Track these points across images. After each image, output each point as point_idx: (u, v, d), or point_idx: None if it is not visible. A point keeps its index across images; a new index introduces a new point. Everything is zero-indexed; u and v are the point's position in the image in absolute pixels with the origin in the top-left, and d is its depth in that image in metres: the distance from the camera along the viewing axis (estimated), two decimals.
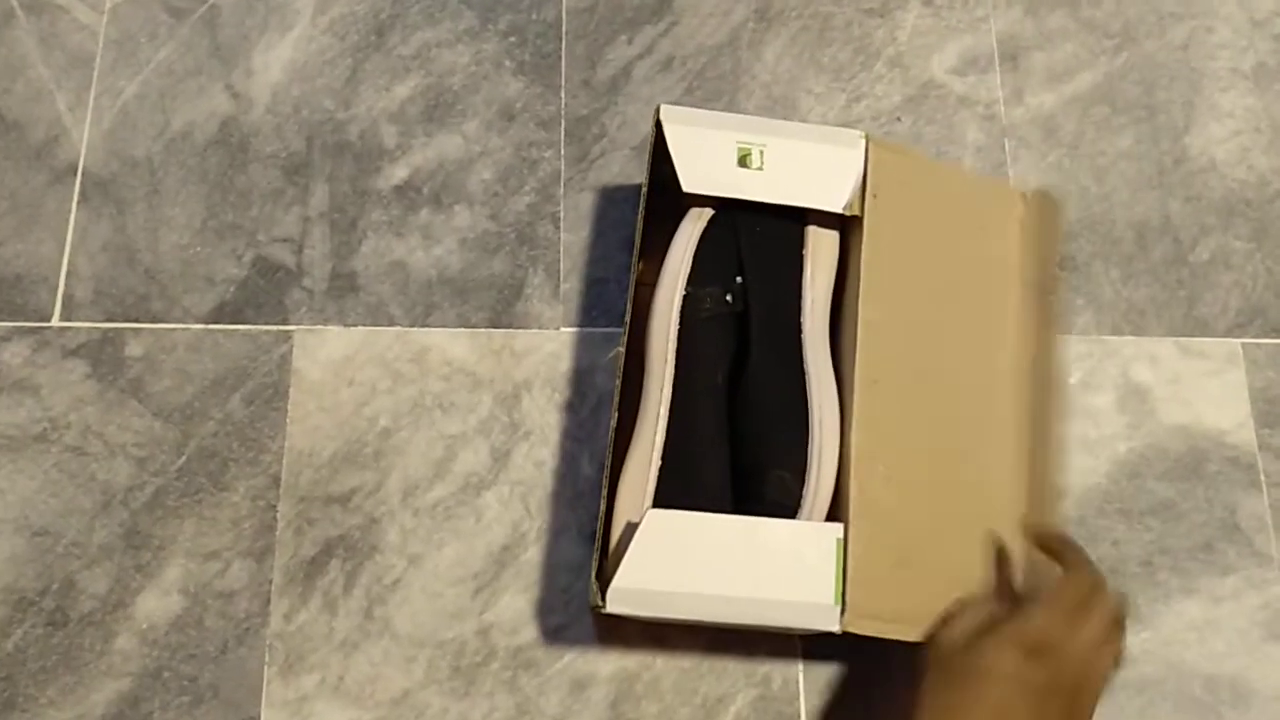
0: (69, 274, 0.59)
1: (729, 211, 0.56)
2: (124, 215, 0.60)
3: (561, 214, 0.63)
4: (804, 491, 0.51)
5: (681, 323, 0.54)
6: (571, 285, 0.61)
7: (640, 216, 0.54)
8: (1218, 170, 0.68)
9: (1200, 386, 0.63)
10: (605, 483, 0.51)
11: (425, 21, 0.66)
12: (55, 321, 0.58)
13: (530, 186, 0.63)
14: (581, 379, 0.59)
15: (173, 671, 0.53)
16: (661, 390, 0.52)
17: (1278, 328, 0.65)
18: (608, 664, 0.55)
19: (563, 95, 0.65)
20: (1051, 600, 0.47)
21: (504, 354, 0.59)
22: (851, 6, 0.69)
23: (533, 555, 0.56)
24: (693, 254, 0.55)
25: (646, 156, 0.55)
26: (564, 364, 0.60)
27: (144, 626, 0.54)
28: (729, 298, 0.55)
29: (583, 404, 0.59)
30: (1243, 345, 0.65)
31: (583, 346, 0.60)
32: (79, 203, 0.60)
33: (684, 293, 0.54)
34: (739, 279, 0.55)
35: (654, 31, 0.67)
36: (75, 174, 0.61)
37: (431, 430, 0.58)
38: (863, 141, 0.55)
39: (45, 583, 0.54)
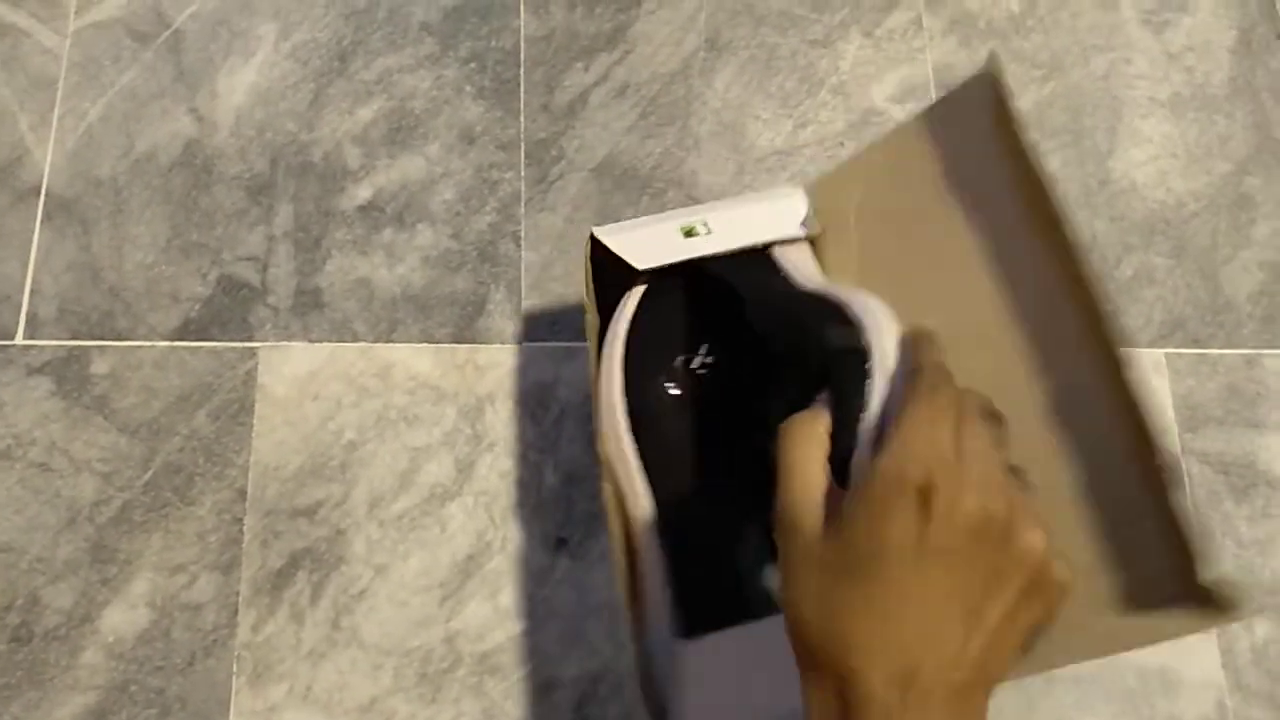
0: (33, 292, 0.59)
1: (668, 277, 0.49)
2: (88, 234, 0.61)
3: (522, 233, 0.65)
4: None
5: (640, 420, 0.46)
6: (533, 301, 0.63)
7: (591, 345, 0.49)
8: (1139, 192, 0.72)
9: None
10: (629, 613, 0.45)
11: (387, 48, 0.68)
12: (19, 340, 0.58)
13: (491, 206, 0.65)
14: (543, 391, 0.61)
15: (140, 684, 0.53)
16: (639, 509, 0.45)
17: (1197, 338, 0.69)
18: (571, 667, 0.56)
19: (522, 119, 0.67)
20: (908, 414, 0.32)
21: (467, 368, 0.61)
22: (796, 37, 0.72)
23: (497, 564, 0.58)
24: (624, 340, 0.47)
25: (585, 278, 0.49)
26: (526, 377, 0.61)
27: (110, 640, 0.54)
28: (696, 363, 0.49)
29: (545, 416, 0.61)
30: (1165, 355, 0.69)
31: (545, 360, 0.62)
32: (43, 222, 0.61)
33: (625, 385, 0.47)
34: (703, 337, 0.49)
35: (609, 59, 0.70)
36: (39, 194, 0.61)
37: (396, 443, 0.59)
38: (800, 189, 0.51)
39: (9, 599, 0.54)
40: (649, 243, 0.48)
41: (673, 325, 0.50)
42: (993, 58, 0.41)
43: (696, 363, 0.50)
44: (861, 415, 0.35)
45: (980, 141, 0.43)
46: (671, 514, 0.45)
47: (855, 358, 0.38)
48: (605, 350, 0.47)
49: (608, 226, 0.49)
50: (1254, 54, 0.77)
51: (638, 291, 0.49)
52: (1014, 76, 0.74)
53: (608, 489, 0.46)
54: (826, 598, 0.31)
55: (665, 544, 0.44)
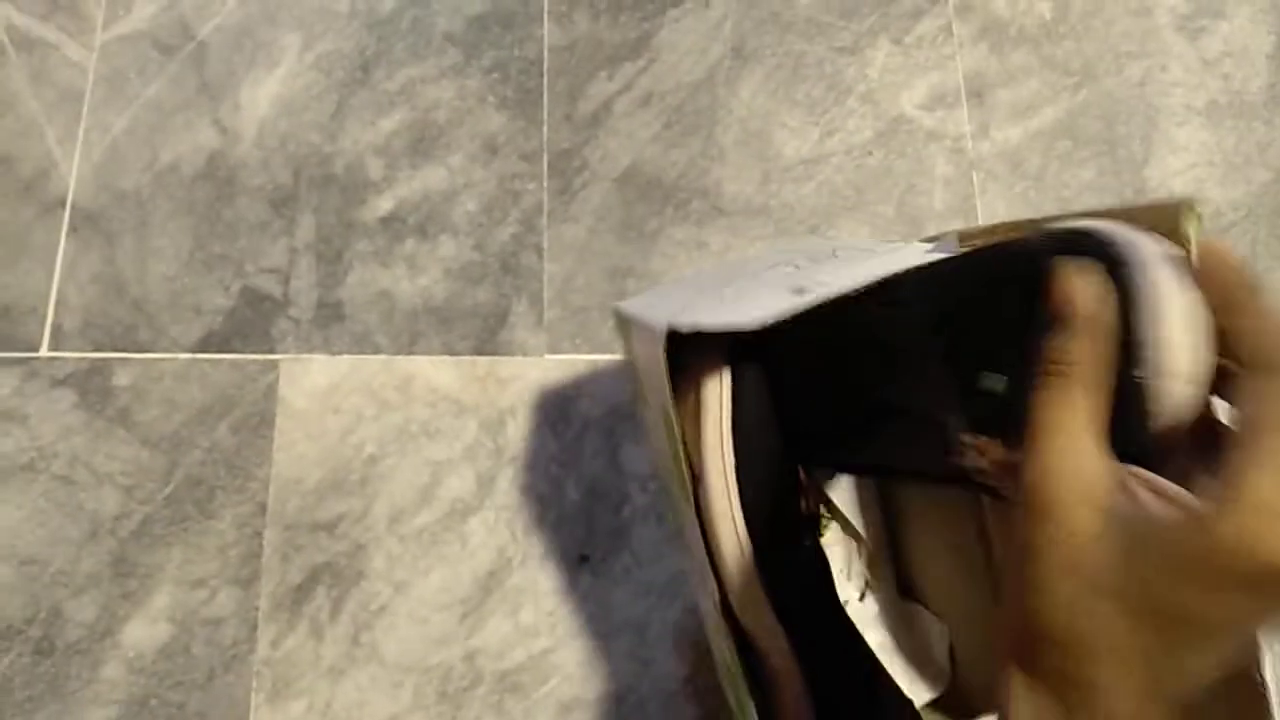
0: (58, 304, 0.59)
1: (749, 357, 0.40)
2: (112, 247, 0.61)
3: (545, 244, 0.64)
4: None
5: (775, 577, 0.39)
6: (555, 313, 0.63)
7: (676, 469, 0.40)
8: None
9: None
10: None
11: (410, 58, 0.67)
12: (44, 351, 0.58)
13: (514, 217, 0.65)
14: (565, 405, 0.61)
15: (160, 699, 0.53)
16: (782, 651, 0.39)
17: None
18: (594, 687, 0.56)
19: (545, 129, 0.67)
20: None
21: (489, 381, 0.61)
22: (823, 45, 0.71)
23: (518, 580, 0.57)
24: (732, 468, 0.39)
25: (661, 383, 0.38)
26: (548, 390, 0.61)
27: (131, 655, 0.54)
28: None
29: (567, 430, 0.60)
30: None
31: (567, 373, 0.61)
32: (68, 235, 0.61)
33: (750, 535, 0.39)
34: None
35: (633, 68, 0.69)
36: (64, 207, 0.61)
37: (417, 457, 0.59)
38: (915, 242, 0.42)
39: (32, 611, 0.54)
40: (752, 305, 0.38)
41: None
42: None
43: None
44: (1147, 396, 0.27)
45: None
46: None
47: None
48: (707, 484, 0.39)
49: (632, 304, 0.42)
50: None
51: (715, 388, 0.39)
52: (1047, 84, 0.72)
53: (728, 653, 0.40)
54: (1084, 603, 0.25)
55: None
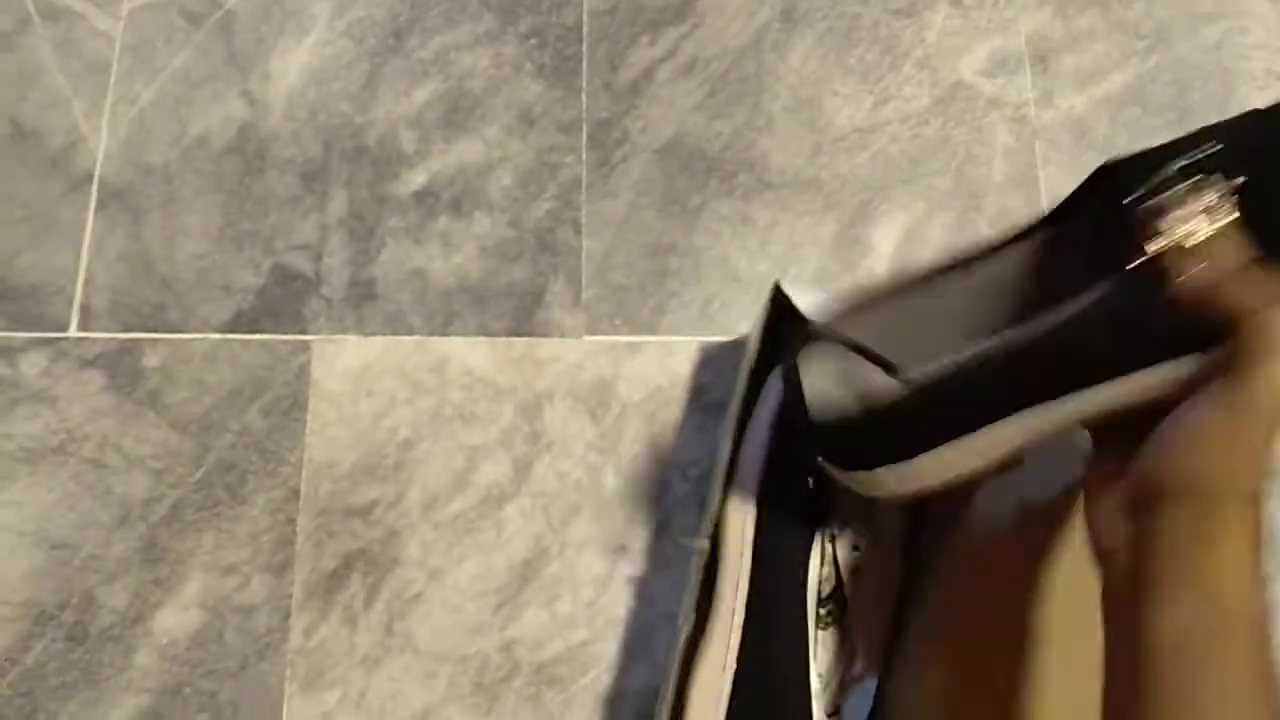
0: (86, 284, 0.58)
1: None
2: (140, 224, 0.60)
3: (583, 220, 0.61)
4: None
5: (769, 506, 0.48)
6: (594, 293, 0.60)
7: (744, 382, 0.50)
8: None
9: None
10: (670, 697, 0.47)
11: (444, 24, 0.65)
12: (72, 332, 0.57)
13: (551, 192, 0.62)
14: (604, 388, 0.58)
15: (193, 687, 0.52)
16: (734, 612, 0.46)
17: None
18: (634, 680, 0.54)
19: (584, 99, 0.64)
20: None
21: (525, 363, 0.59)
22: (879, 7, 0.67)
23: (555, 569, 0.55)
24: (771, 433, 0.48)
25: (760, 320, 0.51)
26: (586, 373, 0.59)
27: (164, 642, 0.53)
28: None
29: (605, 414, 0.58)
30: None
31: (605, 355, 0.59)
32: (95, 211, 0.59)
33: (761, 490, 0.48)
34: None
35: (677, 33, 0.66)
36: (91, 182, 0.60)
37: (452, 441, 0.57)
38: None
39: (64, 597, 0.53)
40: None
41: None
42: None
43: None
44: None
45: None
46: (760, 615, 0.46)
47: None
48: (757, 418, 0.48)
49: (795, 283, 0.50)
50: None
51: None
52: (1116, 47, 0.68)
53: (704, 545, 0.47)
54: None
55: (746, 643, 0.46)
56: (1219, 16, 0.70)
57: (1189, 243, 0.34)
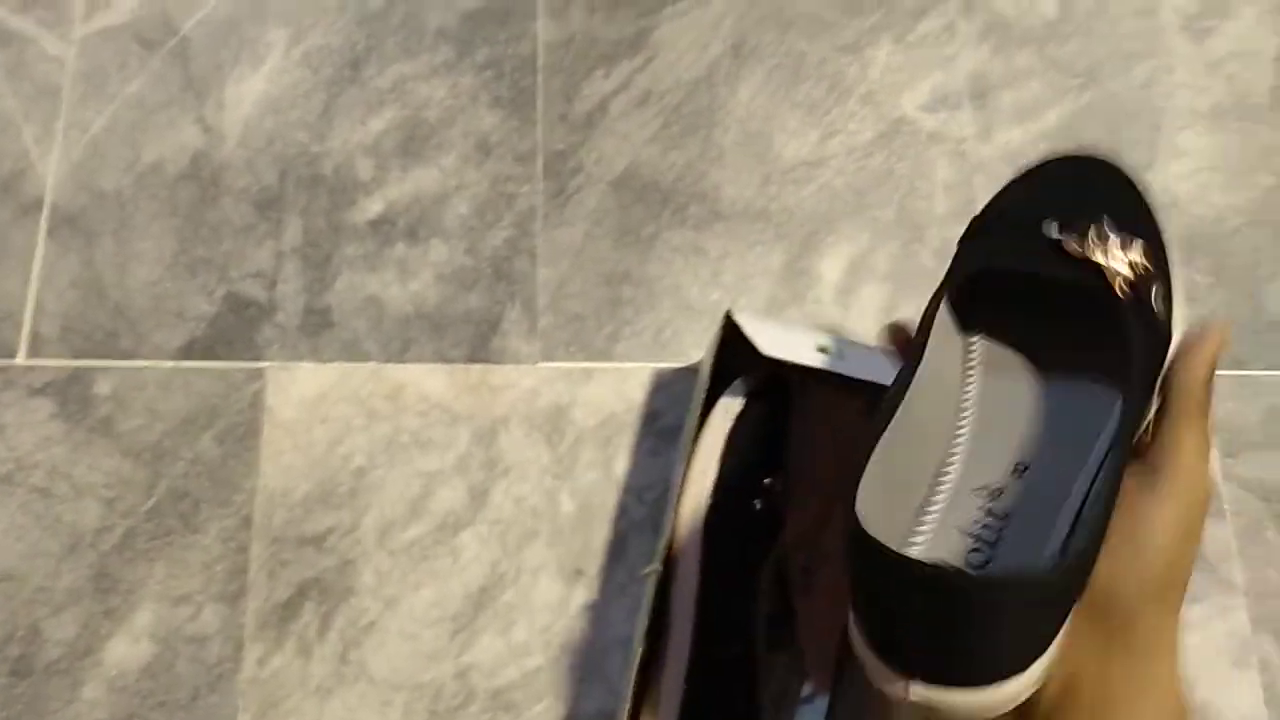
0: (35, 310, 0.58)
1: (775, 395, 0.52)
2: (92, 250, 0.59)
3: (539, 248, 0.62)
4: None
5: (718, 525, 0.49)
6: (549, 320, 0.61)
7: (695, 411, 0.52)
8: (1179, 207, 0.70)
9: None
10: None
11: (401, 54, 0.65)
12: (21, 359, 0.57)
13: (507, 221, 0.63)
14: (560, 415, 0.59)
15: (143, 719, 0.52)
16: (685, 636, 0.48)
17: (1238, 360, 0.67)
18: (589, 705, 0.54)
19: (539, 129, 0.65)
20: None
21: (481, 389, 0.59)
22: (826, 43, 0.70)
23: (511, 596, 0.56)
24: (719, 456, 0.50)
25: (711, 347, 0.52)
26: (542, 399, 0.59)
27: (113, 674, 0.52)
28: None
29: (561, 440, 0.59)
30: None
31: (561, 382, 0.60)
32: (46, 237, 0.59)
33: (711, 504, 0.50)
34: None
35: (630, 66, 0.67)
36: (42, 208, 0.59)
37: (408, 468, 0.57)
38: None
39: (9, 630, 0.52)
40: (781, 339, 0.49)
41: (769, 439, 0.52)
42: None
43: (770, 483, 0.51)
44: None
45: None
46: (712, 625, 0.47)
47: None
48: (703, 442, 0.50)
49: (746, 313, 0.51)
50: None
51: (735, 408, 0.51)
52: (1050, 85, 0.71)
53: (656, 570, 0.49)
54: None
55: (694, 658, 0.47)
56: (1147, 56, 0.73)
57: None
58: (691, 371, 0.60)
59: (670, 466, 0.57)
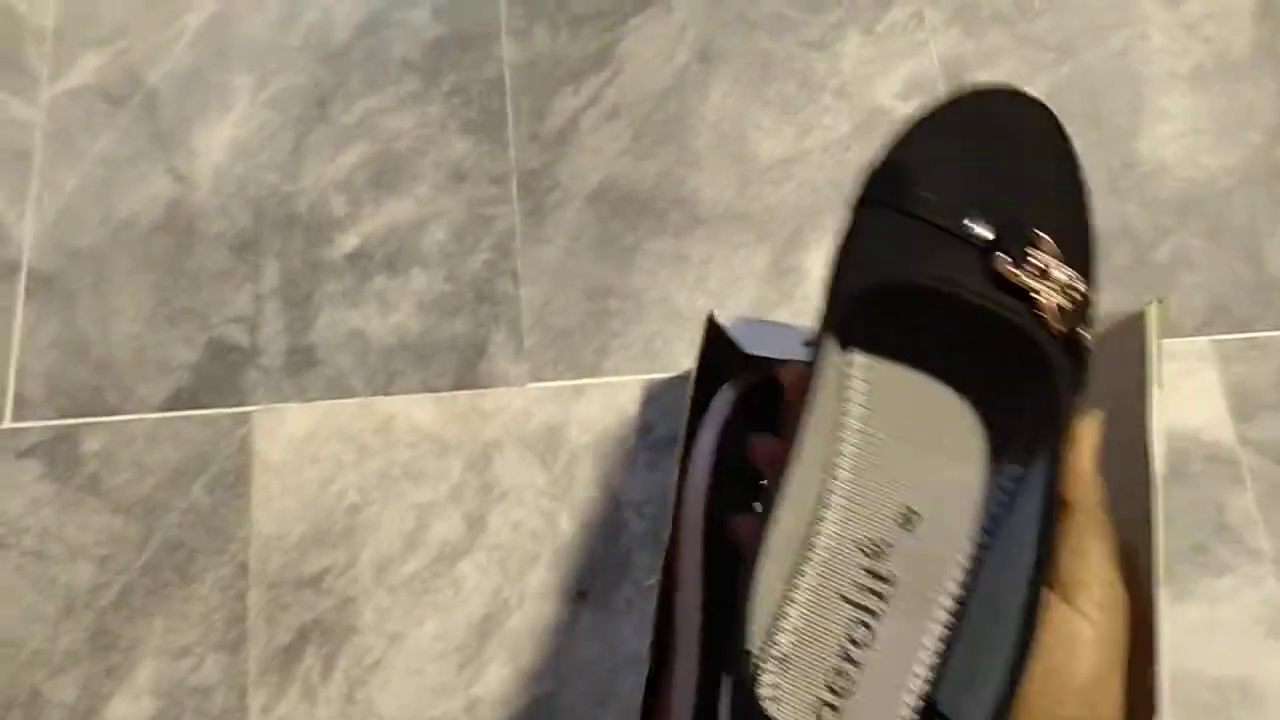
0: (18, 373, 0.57)
1: (765, 394, 0.48)
2: (72, 308, 0.59)
3: (520, 269, 0.62)
4: None
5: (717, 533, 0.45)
6: (535, 340, 0.60)
7: (688, 407, 0.48)
8: (1169, 171, 0.68)
9: (1175, 387, 0.63)
10: None
11: (367, 89, 0.65)
12: (6, 423, 0.56)
13: (486, 244, 0.62)
14: (552, 434, 0.58)
15: None
16: (692, 647, 0.44)
17: (1243, 322, 0.65)
18: None
19: (512, 150, 0.65)
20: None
21: (471, 416, 0.58)
22: (791, 41, 0.69)
23: (516, 622, 0.55)
24: (711, 463, 0.46)
25: (697, 353, 0.49)
26: (533, 420, 0.58)
27: None
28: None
29: (555, 460, 0.58)
30: (1211, 342, 0.64)
31: (551, 401, 0.59)
32: (25, 300, 0.59)
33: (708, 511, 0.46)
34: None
35: (598, 81, 0.67)
36: (19, 271, 0.59)
37: (401, 501, 0.56)
38: None
39: (9, 696, 0.52)
40: (766, 337, 0.46)
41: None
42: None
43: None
44: None
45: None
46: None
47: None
48: (696, 448, 0.46)
49: (731, 314, 0.50)
50: (1276, 16, 0.73)
51: (727, 395, 0.46)
52: (1025, 62, 0.70)
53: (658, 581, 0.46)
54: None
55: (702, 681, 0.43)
56: (1121, 25, 0.72)
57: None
58: (683, 380, 0.59)
59: (668, 477, 0.56)
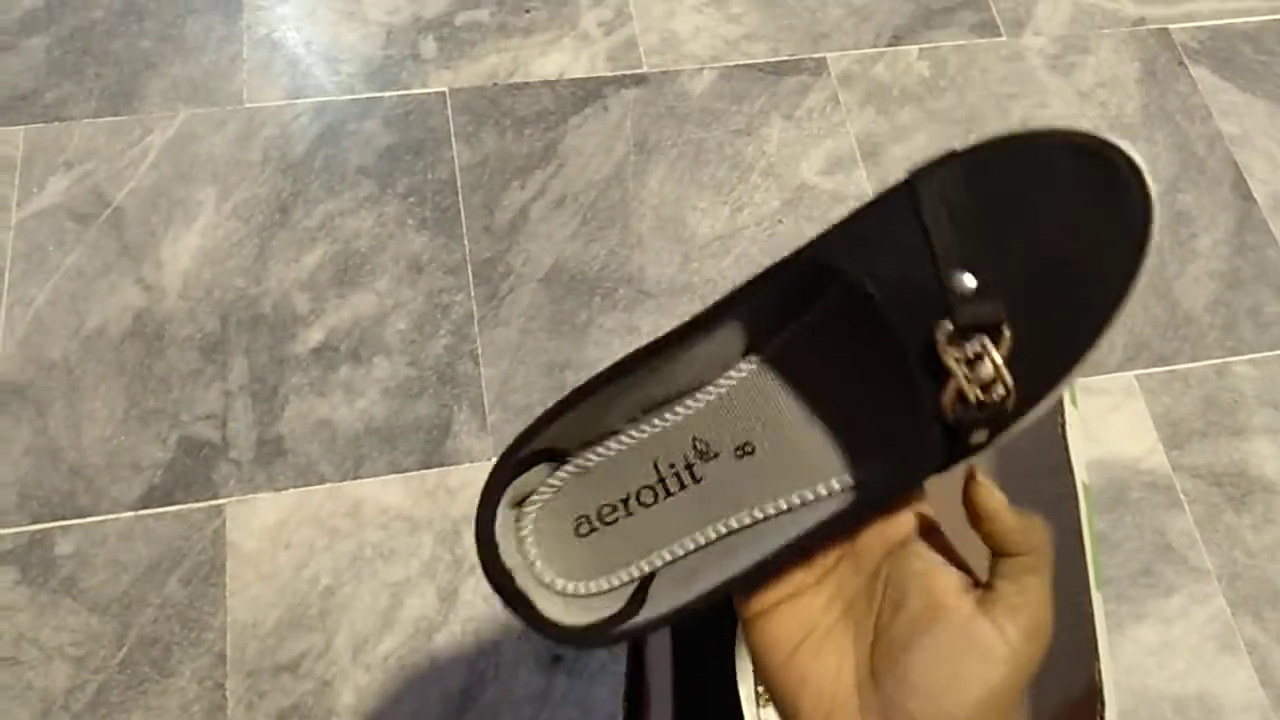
0: None
1: None
2: (44, 417, 0.61)
3: (479, 350, 0.65)
4: None
5: None
6: (498, 416, 0.63)
7: None
8: None
9: (1105, 421, 0.67)
10: None
11: (326, 194, 0.69)
12: None
13: (445, 329, 0.65)
14: None
15: None
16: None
17: (1164, 356, 0.69)
18: None
19: (466, 243, 0.68)
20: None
21: (439, 493, 0.60)
22: (720, 130, 0.74)
23: (494, 693, 0.55)
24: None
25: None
26: None
27: None
28: None
29: None
30: (1136, 377, 0.69)
31: None
32: None
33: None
34: None
35: (544, 175, 0.72)
36: None
37: (375, 580, 0.58)
38: None
39: None
40: None
41: None
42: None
43: None
44: None
45: None
46: None
47: None
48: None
49: None
50: (1160, 82, 0.80)
51: None
52: (935, 136, 0.76)
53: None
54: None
55: None
56: (1021, 95, 0.79)
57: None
58: None
59: None
